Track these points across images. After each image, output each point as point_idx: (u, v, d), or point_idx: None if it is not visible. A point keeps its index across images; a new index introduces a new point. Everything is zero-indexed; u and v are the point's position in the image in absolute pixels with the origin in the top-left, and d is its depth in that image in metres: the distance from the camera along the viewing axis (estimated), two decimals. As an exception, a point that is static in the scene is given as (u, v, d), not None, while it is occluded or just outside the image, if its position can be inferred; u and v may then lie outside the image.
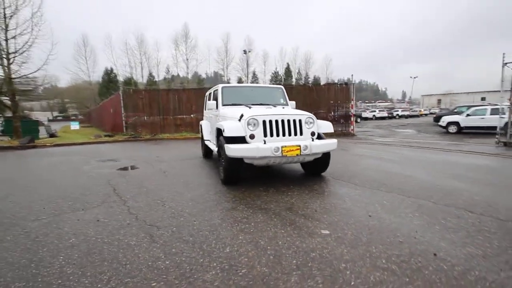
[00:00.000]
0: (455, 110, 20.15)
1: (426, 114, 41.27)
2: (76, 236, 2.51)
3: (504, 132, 9.56)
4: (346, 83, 13.91)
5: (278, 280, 1.77)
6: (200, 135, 7.71)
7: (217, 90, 5.47)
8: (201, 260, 2.04)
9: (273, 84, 49.37)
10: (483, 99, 43.04)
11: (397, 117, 36.59)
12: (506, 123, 13.46)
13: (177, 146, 9.91)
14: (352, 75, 14.21)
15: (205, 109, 6.89)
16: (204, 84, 43.37)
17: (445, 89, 59.96)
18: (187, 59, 44.14)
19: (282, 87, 5.79)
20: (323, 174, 4.75)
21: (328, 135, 4.65)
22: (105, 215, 3.01)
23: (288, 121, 4.10)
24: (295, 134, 4.12)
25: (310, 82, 49.00)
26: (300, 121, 4.17)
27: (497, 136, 9.78)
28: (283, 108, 5.23)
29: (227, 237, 2.40)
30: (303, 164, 5.00)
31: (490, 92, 44.09)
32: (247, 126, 3.92)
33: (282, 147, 3.78)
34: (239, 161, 3.99)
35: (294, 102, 5.68)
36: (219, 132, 4.50)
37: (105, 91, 37.30)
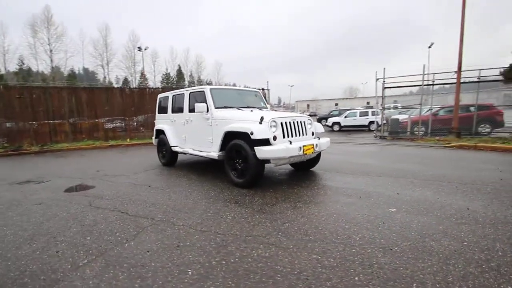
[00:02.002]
0: (331, 113, 25.69)
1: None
2: (196, 268, 2.05)
3: (378, 128, 13.23)
4: (263, 89, 15.22)
5: (416, 246, 2.22)
6: (153, 141, 6.83)
7: (201, 92, 5.12)
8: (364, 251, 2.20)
9: (164, 85, 46.58)
10: (336, 104, 56.08)
11: (283, 119, 42.42)
12: (370, 122, 18.44)
13: (100, 157, 8.15)
14: (267, 82, 15.69)
15: (168, 112, 6.16)
16: (76, 82, 35.83)
17: (312, 96, 73.92)
18: (51, 50, 35.30)
19: (259, 91, 6.04)
20: (311, 169, 5.37)
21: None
22: (178, 240, 2.49)
23: (297, 122, 4.48)
24: (302, 134, 4.54)
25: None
26: (304, 122, 4.63)
27: (375, 131, 13.48)
28: (268, 110, 5.53)
29: (345, 232, 2.60)
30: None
31: (341, 99, 57.82)
32: (270, 128, 4.03)
33: (303, 146, 4.13)
34: (264, 162, 4.05)
35: (269, 106, 6.05)
36: (230, 135, 4.33)
37: None
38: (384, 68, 12.34)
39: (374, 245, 2.27)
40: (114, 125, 12.48)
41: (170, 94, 6.21)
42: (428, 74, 10.62)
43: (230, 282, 1.85)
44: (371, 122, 18.69)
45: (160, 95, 6.73)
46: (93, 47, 40.87)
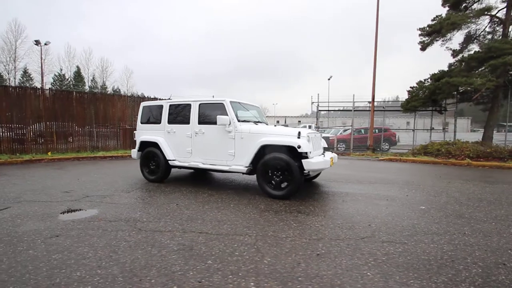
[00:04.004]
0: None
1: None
2: (368, 269, 2.17)
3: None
4: (170, 99, 14.29)
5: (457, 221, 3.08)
6: (133, 155, 5.94)
7: (219, 104, 4.96)
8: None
9: (57, 87, 38.58)
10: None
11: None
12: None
13: (34, 176, 6.33)
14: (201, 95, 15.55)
15: (162, 123, 5.53)
16: None
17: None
18: None
19: (259, 106, 6.23)
20: (314, 180, 5.93)
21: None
22: (308, 250, 2.51)
23: (316, 137, 5.01)
24: (319, 149, 5.09)
25: (109, 92, 43.49)
26: (319, 137, 5.21)
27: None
28: (270, 125, 5.79)
29: (421, 226, 3.20)
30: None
31: (255, 117, 62.07)
32: (307, 142, 4.39)
33: (331, 158, 4.68)
34: (304, 174, 4.34)
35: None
36: (264, 149, 4.42)
37: None
38: (318, 94, 14.58)
39: (453, 232, 2.98)
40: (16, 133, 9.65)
41: (164, 103, 5.63)
42: (352, 101, 13.24)
43: (411, 274, 2.12)
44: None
45: (145, 104, 5.98)
46: None
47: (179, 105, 5.48)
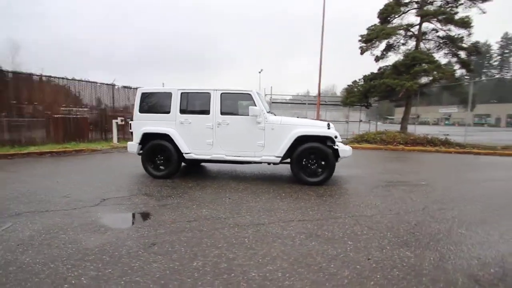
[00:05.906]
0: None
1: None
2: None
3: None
4: (113, 84, 12.32)
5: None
6: (131, 149, 5.16)
7: (246, 94, 4.85)
8: None
9: None
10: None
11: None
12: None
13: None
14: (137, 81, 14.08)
15: (172, 112, 4.95)
16: None
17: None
18: None
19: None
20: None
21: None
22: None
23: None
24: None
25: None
26: (328, 128, 5.75)
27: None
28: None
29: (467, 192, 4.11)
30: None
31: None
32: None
33: (346, 147, 5.29)
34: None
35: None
36: (302, 138, 4.64)
37: None
38: (271, 87, 15.27)
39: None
40: None
41: (174, 90, 5.03)
42: (306, 96, 14.49)
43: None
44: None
45: (145, 90, 5.19)
46: None
47: (194, 93, 5.04)
